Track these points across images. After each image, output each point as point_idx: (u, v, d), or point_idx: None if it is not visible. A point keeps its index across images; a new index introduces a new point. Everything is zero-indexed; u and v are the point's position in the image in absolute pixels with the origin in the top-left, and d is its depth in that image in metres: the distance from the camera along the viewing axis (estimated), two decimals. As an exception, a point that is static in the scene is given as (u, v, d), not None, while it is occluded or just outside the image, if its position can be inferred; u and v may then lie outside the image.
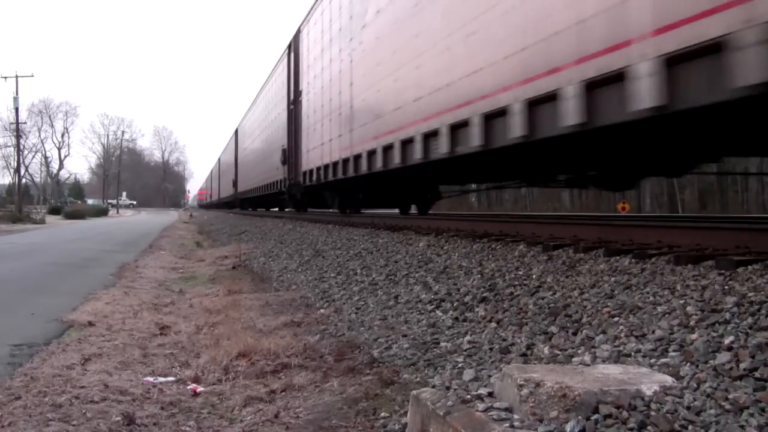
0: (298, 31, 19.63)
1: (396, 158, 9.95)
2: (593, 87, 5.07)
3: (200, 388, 4.24)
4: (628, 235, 5.87)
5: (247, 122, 36.69)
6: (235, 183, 41.55)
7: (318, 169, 16.25)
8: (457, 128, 7.73)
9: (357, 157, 12.35)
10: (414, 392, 3.04)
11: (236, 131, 42.58)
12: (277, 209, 29.01)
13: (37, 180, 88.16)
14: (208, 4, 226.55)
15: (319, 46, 16.28)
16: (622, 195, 28.48)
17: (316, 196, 19.89)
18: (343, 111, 13.85)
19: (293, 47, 20.56)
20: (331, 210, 18.95)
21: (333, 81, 14.69)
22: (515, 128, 6.19)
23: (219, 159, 60.07)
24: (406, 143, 9.50)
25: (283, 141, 22.07)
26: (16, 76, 45.08)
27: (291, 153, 20.80)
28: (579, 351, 3.46)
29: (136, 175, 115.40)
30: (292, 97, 20.79)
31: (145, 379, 4.43)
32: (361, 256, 8.80)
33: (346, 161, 13.40)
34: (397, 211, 16.88)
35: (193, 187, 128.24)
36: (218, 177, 59.77)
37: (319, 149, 16.19)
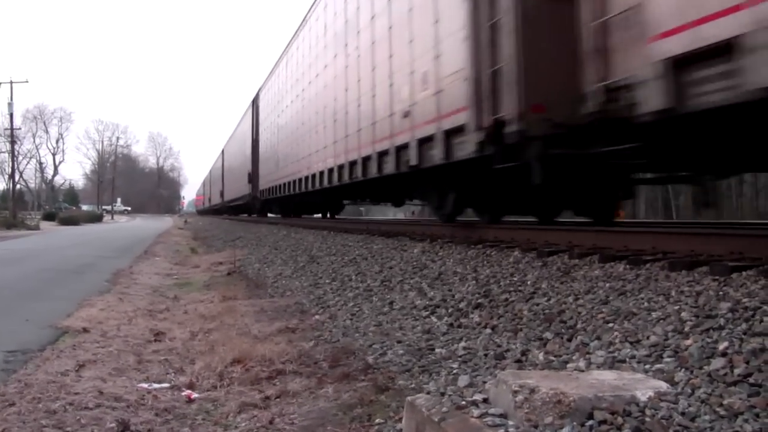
0: (258, 92, 29.79)
1: (311, 184, 16.99)
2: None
3: (195, 395, 4.23)
4: (622, 241, 5.88)
5: (230, 145, 46.00)
6: (222, 193, 49.97)
7: (268, 189, 25.47)
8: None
9: (290, 182, 20.02)
10: (409, 398, 3.04)
11: (223, 150, 52.05)
12: (254, 215, 35.76)
13: (32, 186, 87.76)
14: (203, 11, 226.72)
15: (267, 110, 27.19)
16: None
17: (269, 206, 29.58)
18: (276, 154, 23.54)
19: (255, 103, 30.76)
20: (279, 215, 27.90)
21: (272, 135, 25.20)
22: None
23: (210, 170, 66.67)
24: (315, 175, 16.28)
25: (249, 166, 31.23)
26: (11, 82, 44.94)
27: (254, 175, 30.02)
28: (574, 357, 3.47)
29: (131, 181, 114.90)
30: (254, 136, 30.68)
31: (139, 385, 4.42)
32: (356, 262, 8.80)
33: (282, 185, 21.84)
34: (320, 215, 24.93)
35: (188, 193, 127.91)
36: (209, 186, 65.97)
37: (267, 176, 25.82)
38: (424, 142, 8.96)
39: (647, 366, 3.01)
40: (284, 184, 21.39)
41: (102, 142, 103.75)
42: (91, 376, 4.58)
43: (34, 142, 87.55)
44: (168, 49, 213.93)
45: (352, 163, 12.72)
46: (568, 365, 3.35)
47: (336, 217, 23.28)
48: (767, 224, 6.40)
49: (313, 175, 16.55)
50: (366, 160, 11.86)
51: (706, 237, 5.18)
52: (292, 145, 20.09)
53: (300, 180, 18.44)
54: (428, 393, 3.36)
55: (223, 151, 51.88)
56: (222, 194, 49.37)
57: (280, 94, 23.04)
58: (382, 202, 17.92)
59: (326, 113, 15.19)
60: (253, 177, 30.14)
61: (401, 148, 9.91)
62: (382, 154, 10.83)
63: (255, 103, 30.92)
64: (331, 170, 14.62)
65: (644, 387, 2.58)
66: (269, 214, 31.41)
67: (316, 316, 6.42)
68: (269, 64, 28.19)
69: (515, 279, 5.38)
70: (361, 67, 12.26)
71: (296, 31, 19.79)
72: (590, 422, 2.36)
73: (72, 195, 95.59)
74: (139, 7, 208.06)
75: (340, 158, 13.69)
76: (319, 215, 24.85)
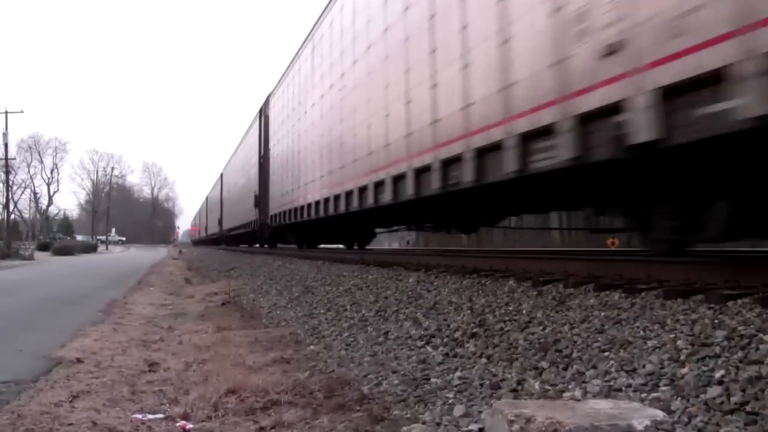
0: (268, 98, 25.02)
1: (340, 206, 13.33)
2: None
3: (189, 425, 4.19)
4: (617, 269, 5.89)
5: (230, 168, 41.75)
6: (220, 221, 45.90)
7: (281, 213, 20.75)
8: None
9: (308, 205, 16.41)
10: (404, 429, 3.03)
11: (221, 175, 47.83)
12: (257, 245, 32.33)
13: (26, 216, 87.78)
14: (197, 41, 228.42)
15: (280, 118, 22.05)
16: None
17: (280, 234, 24.67)
18: (293, 171, 18.92)
19: (263, 112, 25.91)
20: (292, 246, 23.67)
21: (287, 148, 20.32)
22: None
23: (207, 198, 63.36)
24: (366, 188, 11.61)
25: (255, 188, 26.90)
26: (6, 112, 44.98)
27: (261, 198, 25.51)
28: (570, 386, 3.46)
29: (126, 212, 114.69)
30: (262, 152, 25.95)
31: (133, 416, 4.38)
32: (351, 292, 8.78)
33: (298, 209, 17.77)
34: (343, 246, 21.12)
35: (183, 223, 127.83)
36: (206, 215, 62.82)
37: (280, 198, 20.94)
38: (676, 94, 4.30)
39: (643, 395, 3.01)
40: (309, 205, 16.32)
41: (97, 172, 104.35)
42: (85, 406, 4.53)
43: (29, 172, 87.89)
44: (163, 77, 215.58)
45: (447, 162, 8.12)
46: (564, 394, 3.35)
47: (366, 248, 19.10)
48: (762, 252, 6.40)
49: (362, 189, 11.71)
50: (484, 152, 7.20)
51: (701, 265, 5.20)
52: (323, 153, 15.09)
53: (337, 197, 13.53)
54: (424, 423, 3.35)
55: (221, 175, 47.77)
56: (221, 222, 45.36)
57: (303, 93, 17.73)
58: (449, 227, 13.20)
59: (389, 96, 10.33)
60: (261, 200, 25.25)
61: (591, 118, 5.22)
62: (531, 137, 6.17)
63: (263, 112, 25.78)
64: (399, 177, 9.83)
65: (641, 416, 2.57)
66: (279, 245, 27.01)
67: (311, 347, 6.39)
68: (267, 88, 24.79)
69: (510, 308, 5.38)
70: (470, 8, 7.49)
71: (327, 6, 15.04)
72: (587, 451, 2.35)
73: (66, 225, 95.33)
74: (132, 37, 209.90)
75: (423, 158, 8.85)
76: (334, 245, 21.47)
